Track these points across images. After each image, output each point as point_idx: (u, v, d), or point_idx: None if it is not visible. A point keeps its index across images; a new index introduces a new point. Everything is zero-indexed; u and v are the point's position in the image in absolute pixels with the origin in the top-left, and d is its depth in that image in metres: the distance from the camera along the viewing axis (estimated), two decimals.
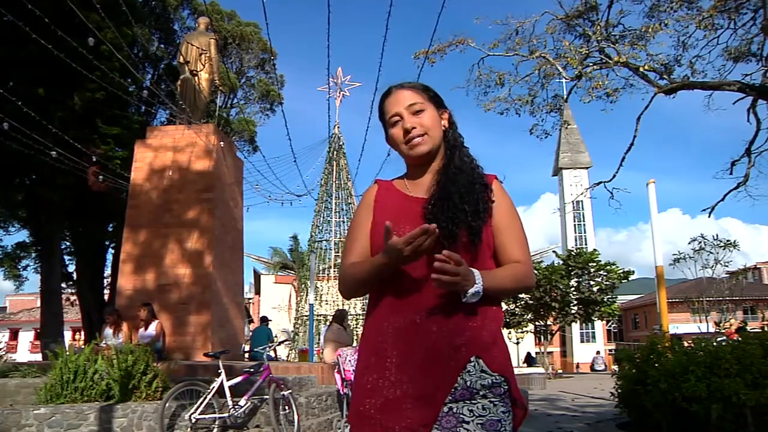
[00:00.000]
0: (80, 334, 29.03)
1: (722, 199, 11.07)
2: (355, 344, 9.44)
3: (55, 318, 16.19)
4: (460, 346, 1.37)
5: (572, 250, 32.02)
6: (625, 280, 30.00)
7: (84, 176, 12.76)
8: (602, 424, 7.58)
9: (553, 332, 32.95)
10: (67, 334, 30.18)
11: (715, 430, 5.20)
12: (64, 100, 13.96)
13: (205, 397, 5.59)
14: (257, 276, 42.58)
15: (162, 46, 21.12)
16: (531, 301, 29.14)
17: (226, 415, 5.71)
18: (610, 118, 58.27)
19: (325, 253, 26.14)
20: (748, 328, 10.14)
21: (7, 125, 9.11)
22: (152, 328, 8.28)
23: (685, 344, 6.68)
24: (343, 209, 26.43)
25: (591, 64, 10.44)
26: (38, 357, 27.32)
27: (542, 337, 32.80)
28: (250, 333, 16.34)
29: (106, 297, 19.00)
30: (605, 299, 29.33)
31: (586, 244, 46.73)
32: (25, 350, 41.84)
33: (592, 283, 29.48)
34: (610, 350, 44.82)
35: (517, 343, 33.58)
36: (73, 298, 21.16)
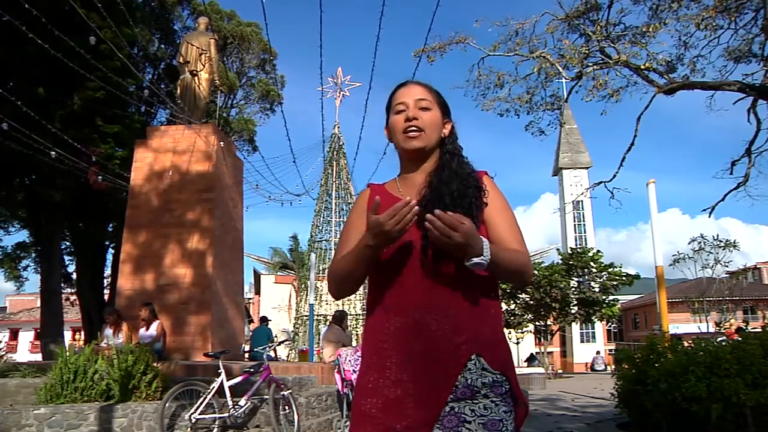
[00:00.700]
0: (80, 334, 29.01)
1: (722, 199, 11.10)
2: (354, 344, 9.46)
3: (55, 318, 16.18)
4: (460, 344, 1.37)
5: (576, 249, 31.83)
6: (629, 286, 29.66)
7: (84, 176, 12.76)
8: (602, 424, 7.59)
9: (553, 332, 32.94)
10: (67, 334, 30.17)
11: (715, 430, 5.19)
12: (64, 100, 13.94)
13: (205, 397, 5.60)
14: (257, 276, 42.55)
15: (162, 46, 21.11)
16: (531, 302, 29.13)
17: (226, 415, 5.71)
18: (610, 118, 58.32)
19: (325, 253, 26.17)
20: (749, 328, 10.14)
21: (7, 125, 9.10)
22: (153, 328, 8.27)
23: (685, 344, 6.68)
24: (343, 209, 26.46)
25: (591, 64, 10.44)
26: (38, 357, 27.29)
27: (542, 337, 32.81)
28: (250, 333, 16.33)
29: (106, 297, 18.99)
30: (606, 300, 29.18)
31: (586, 244, 46.62)
32: (25, 350, 41.80)
33: (593, 283, 29.42)
34: (610, 350, 44.78)
35: (518, 343, 33.55)
36: (73, 298, 21.13)
